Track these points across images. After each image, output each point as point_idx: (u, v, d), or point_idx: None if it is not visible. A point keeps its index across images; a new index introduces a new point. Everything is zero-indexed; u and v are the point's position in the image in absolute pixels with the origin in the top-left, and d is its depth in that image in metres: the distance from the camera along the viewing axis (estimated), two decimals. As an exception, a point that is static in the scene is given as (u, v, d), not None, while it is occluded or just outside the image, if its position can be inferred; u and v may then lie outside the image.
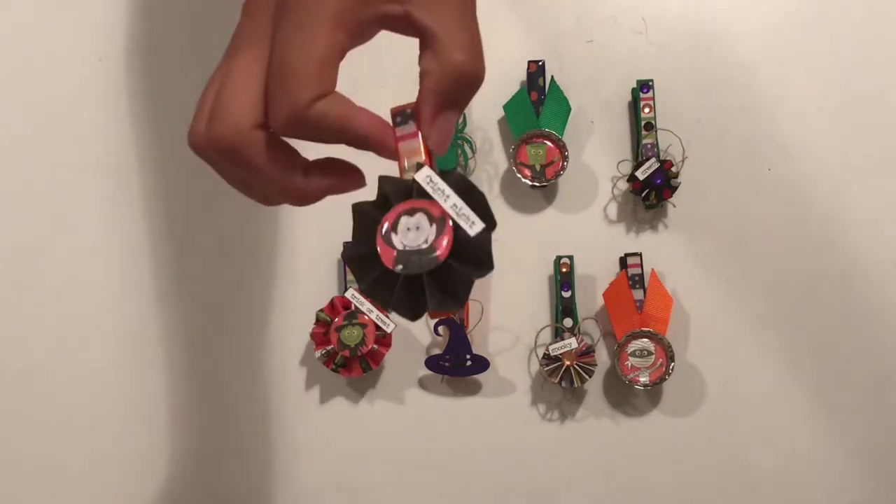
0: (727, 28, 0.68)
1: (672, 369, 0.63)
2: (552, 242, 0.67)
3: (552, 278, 0.66)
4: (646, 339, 0.63)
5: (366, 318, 0.62)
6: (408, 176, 0.36)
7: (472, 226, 0.34)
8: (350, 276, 0.65)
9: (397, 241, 0.35)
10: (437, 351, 0.66)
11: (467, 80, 0.35)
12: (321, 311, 0.63)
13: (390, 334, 0.63)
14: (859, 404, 0.65)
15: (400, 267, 0.34)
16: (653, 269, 0.65)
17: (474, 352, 0.64)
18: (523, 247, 0.67)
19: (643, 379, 0.63)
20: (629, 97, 0.68)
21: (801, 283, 0.66)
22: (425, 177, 0.35)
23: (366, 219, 0.35)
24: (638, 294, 0.64)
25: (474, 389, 0.66)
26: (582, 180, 0.67)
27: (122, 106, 0.69)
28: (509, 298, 0.66)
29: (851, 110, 0.67)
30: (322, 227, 0.67)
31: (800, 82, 0.68)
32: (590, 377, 0.63)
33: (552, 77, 0.66)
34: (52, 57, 0.69)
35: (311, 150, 0.36)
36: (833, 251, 0.66)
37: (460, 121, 0.66)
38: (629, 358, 0.63)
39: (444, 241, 0.34)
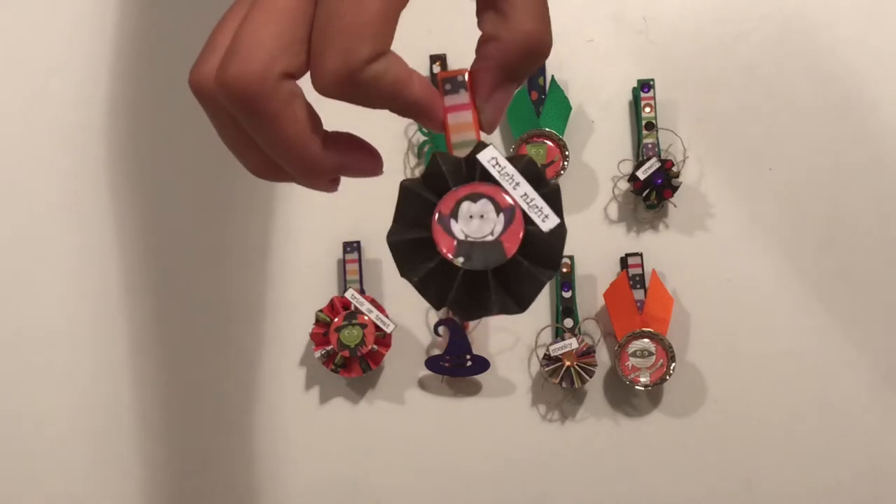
0: (727, 28, 0.68)
1: (673, 370, 0.63)
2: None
3: (553, 278, 0.66)
4: (646, 340, 0.63)
5: (365, 318, 0.62)
6: (458, 153, 0.31)
7: (546, 220, 0.30)
8: (350, 276, 0.65)
9: (457, 229, 0.30)
10: (437, 351, 0.66)
11: (537, 52, 0.31)
12: (321, 311, 0.63)
13: (390, 334, 0.63)
14: (860, 403, 0.65)
15: (461, 260, 0.30)
16: (653, 270, 0.65)
17: (474, 352, 0.64)
18: (523, 247, 0.66)
19: (644, 379, 0.63)
20: (630, 97, 0.68)
21: (802, 283, 0.66)
22: (490, 158, 0.31)
23: (417, 199, 0.31)
24: (639, 294, 0.64)
25: (474, 390, 0.66)
26: (582, 180, 0.67)
27: (121, 105, 0.68)
28: (509, 298, 0.66)
29: (852, 109, 0.67)
30: (322, 227, 0.67)
31: (801, 81, 0.67)
32: (590, 377, 0.63)
33: (552, 76, 0.66)
34: (51, 56, 0.69)
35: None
36: (834, 251, 0.66)
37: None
38: (630, 358, 0.63)
39: (514, 236, 0.30)
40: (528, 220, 0.30)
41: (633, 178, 0.64)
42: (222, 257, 0.67)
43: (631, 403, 0.66)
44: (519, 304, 0.31)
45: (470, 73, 0.32)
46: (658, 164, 0.64)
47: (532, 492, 0.65)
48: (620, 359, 0.63)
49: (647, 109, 0.66)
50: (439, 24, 0.67)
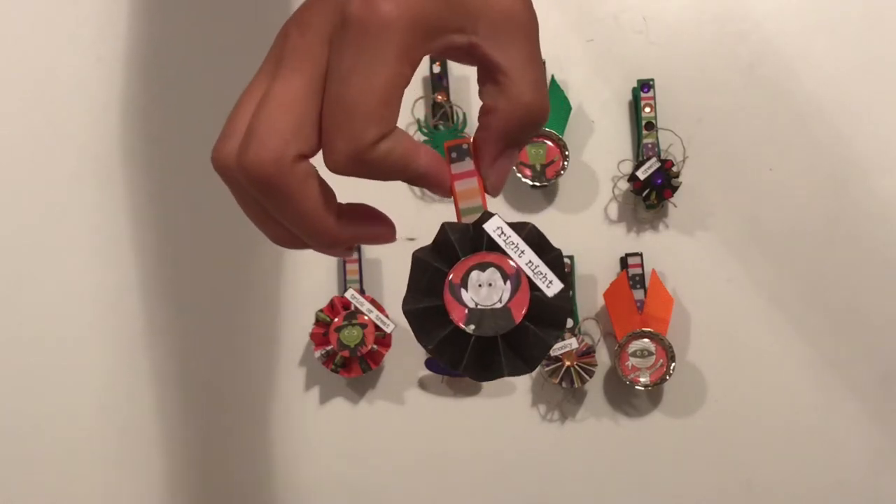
0: (727, 28, 0.68)
1: (673, 370, 0.63)
2: (552, 242, 0.66)
3: (552, 278, 0.66)
4: (646, 340, 0.63)
5: (365, 318, 0.62)
6: (466, 219, 0.34)
7: (550, 286, 0.33)
8: (350, 277, 0.65)
9: (468, 297, 0.33)
10: (437, 351, 0.66)
11: (534, 120, 0.33)
12: (321, 311, 0.63)
13: (390, 334, 0.63)
14: (860, 404, 0.65)
15: (472, 327, 0.33)
16: (653, 269, 0.65)
17: (474, 352, 0.64)
18: (523, 247, 0.67)
19: (644, 379, 0.63)
20: (630, 96, 0.68)
21: (803, 283, 0.66)
22: (496, 228, 0.33)
23: (429, 269, 0.33)
24: (638, 294, 0.64)
25: (474, 390, 0.66)
26: (582, 180, 0.67)
27: (121, 106, 0.68)
28: (509, 298, 0.66)
29: (852, 110, 0.67)
30: (322, 226, 0.67)
31: (801, 82, 0.67)
32: (590, 378, 0.63)
33: (552, 77, 0.66)
34: (51, 57, 0.69)
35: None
36: (834, 251, 0.66)
37: (460, 120, 0.66)
38: (630, 358, 0.63)
39: (521, 302, 0.33)
40: (533, 286, 0.32)
41: (633, 178, 0.64)
42: (222, 258, 0.67)
43: (631, 403, 0.66)
44: (528, 365, 0.33)
45: (473, 142, 0.34)
46: (658, 164, 0.64)
47: (532, 492, 0.65)
48: (620, 359, 0.63)
49: (647, 109, 0.66)
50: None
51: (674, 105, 0.67)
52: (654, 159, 0.64)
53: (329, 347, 0.62)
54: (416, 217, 0.67)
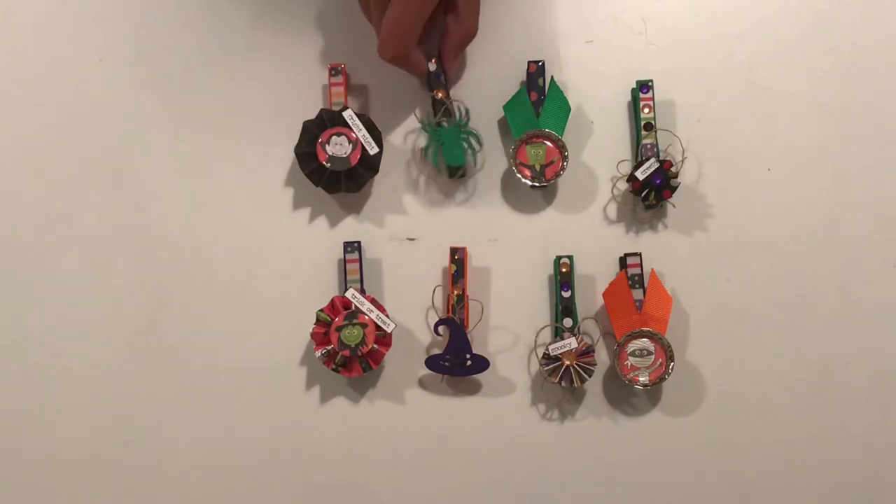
0: (727, 28, 0.68)
1: (672, 369, 0.63)
2: (552, 242, 0.67)
3: (552, 278, 0.66)
4: (645, 339, 0.63)
5: (366, 317, 0.63)
6: (336, 109, 0.63)
7: (372, 148, 0.62)
8: (351, 276, 0.65)
9: (329, 149, 0.62)
10: (437, 351, 0.66)
11: (470, 38, 0.65)
12: (321, 310, 0.63)
13: (390, 334, 0.63)
14: (859, 404, 0.65)
15: (329, 164, 0.62)
16: (652, 269, 0.65)
17: (474, 351, 0.64)
18: (523, 247, 0.67)
19: (643, 379, 0.63)
20: (629, 97, 0.68)
21: (801, 283, 0.66)
22: (349, 114, 0.63)
23: (311, 132, 0.63)
24: (637, 294, 0.64)
25: (474, 389, 0.66)
26: (582, 180, 0.67)
27: (123, 107, 0.69)
28: (509, 298, 0.66)
29: (850, 110, 0.67)
30: (322, 227, 0.67)
31: (799, 82, 0.68)
32: (589, 377, 0.63)
33: (552, 77, 0.66)
34: (53, 57, 0.69)
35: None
36: (832, 251, 0.66)
37: (463, 114, 0.66)
38: (629, 358, 0.63)
39: (356, 155, 0.62)
40: (363, 148, 0.62)
41: (632, 178, 0.64)
42: (224, 257, 0.67)
43: (630, 403, 0.66)
44: (357, 188, 0.64)
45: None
46: (657, 165, 0.64)
47: (532, 491, 0.65)
48: (619, 358, 0.63)
49: (646, 110, 0.66)
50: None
51: (672, 106, 0.67)
52: (652, 160, 0.64)
53: (330, 347, 0.63)
54: (417, 218, 0.67)
